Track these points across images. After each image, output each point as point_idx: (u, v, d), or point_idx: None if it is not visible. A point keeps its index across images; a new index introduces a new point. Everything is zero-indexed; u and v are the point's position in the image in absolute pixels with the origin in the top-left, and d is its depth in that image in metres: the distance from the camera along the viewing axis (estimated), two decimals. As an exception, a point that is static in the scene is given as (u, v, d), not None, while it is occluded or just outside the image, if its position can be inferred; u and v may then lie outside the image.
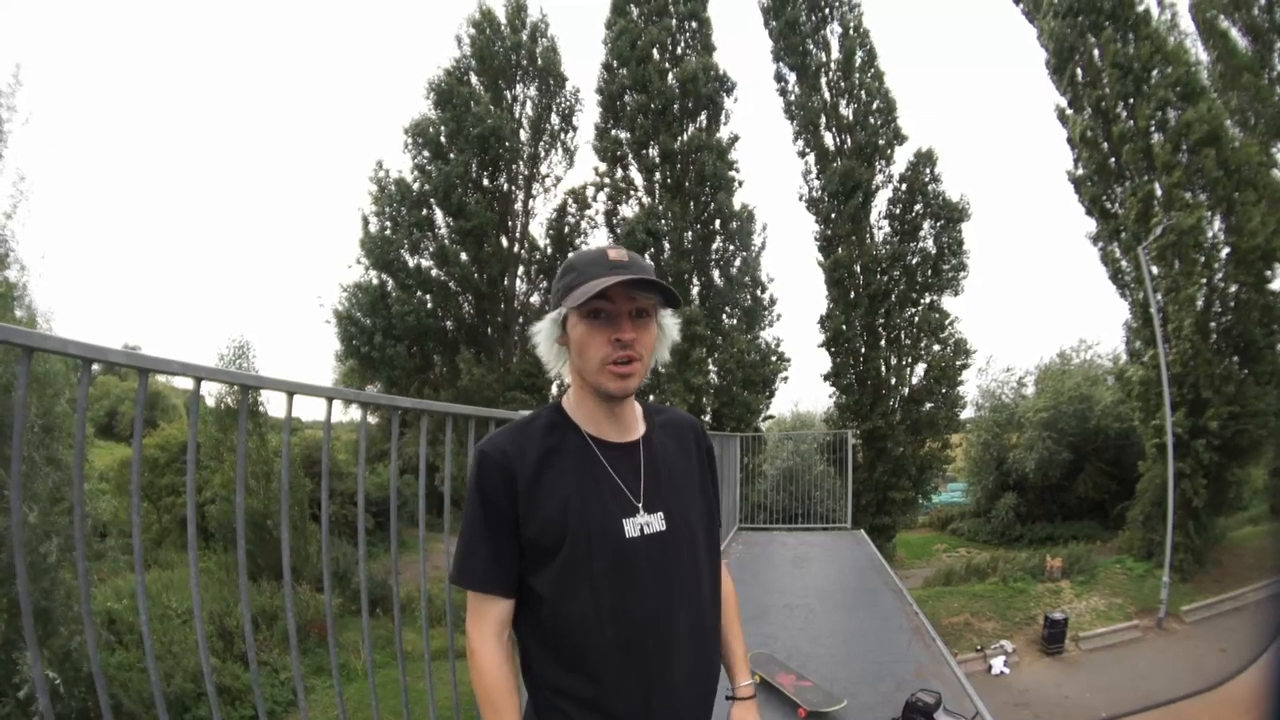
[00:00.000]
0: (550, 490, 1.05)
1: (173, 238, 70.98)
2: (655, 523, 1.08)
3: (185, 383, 1.50)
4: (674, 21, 14.92)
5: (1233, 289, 13.95)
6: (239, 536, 1.61)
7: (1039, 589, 15.30)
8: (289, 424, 1.76)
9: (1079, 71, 15.81)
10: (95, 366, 1.30)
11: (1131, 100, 14.72)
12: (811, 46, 16.33)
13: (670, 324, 1.14)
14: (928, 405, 15.33)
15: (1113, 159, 15.57)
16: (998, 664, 12.21)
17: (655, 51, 14.52)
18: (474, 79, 15.55)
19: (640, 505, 1.08)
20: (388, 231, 14.22)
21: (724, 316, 14.30)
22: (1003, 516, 21.71)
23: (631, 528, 1.06)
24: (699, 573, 1.13)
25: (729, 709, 1.28)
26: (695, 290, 14.52)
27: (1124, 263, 15.86)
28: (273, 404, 15.63)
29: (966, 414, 20.99)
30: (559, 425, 1.11)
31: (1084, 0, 15.39)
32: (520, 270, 15.71)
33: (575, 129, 16.49)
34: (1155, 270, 14.72)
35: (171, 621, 9.92)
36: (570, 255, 1.13)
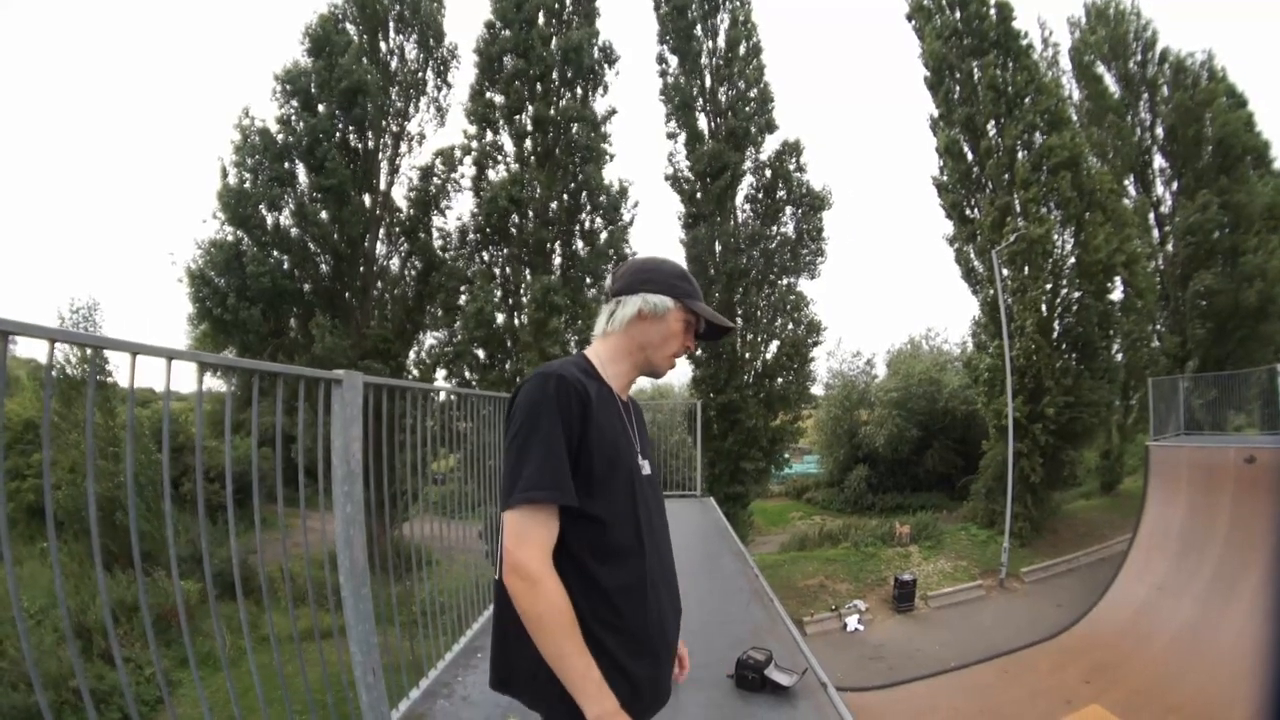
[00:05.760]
0: (602, 426, 1.17)
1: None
2: (647, 467, 1.30)
3: (25, 350, 1.33)
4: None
5: (1076, 295, 15.70)
6: (92, 522, 1.42)
7: (889, 553, 16.53)
8: (134, 394, 1.63)
9: (955, 89, 17.07)
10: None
11: (1002, 120, 16.11)
12: (699, 32, 16.47)
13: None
14: (780, 380, 15.90)
15: (976, 169, 16.99)
16: (852, 622, 13.07)
17: (541, 16, 14.06)
18: (350, 28, 14.37)
19: (639, 451, 1.28)
20: (246, 185, 12.91)
21: (585, 289, 13.93)
22: (855, 487, 23.31)
23: (646, 467, 1.29)
24: (664, 513, 1.36)
25: None
26: (557, 260, 14.13)
27: (977, 264, 17.41)
28: (120, 372, 13.95)
29: (817, 390, 22.13)
30: (594, 376, 1.25)
31: (969, 26, 16.59)
32: (381, 232, 14.77)
33: (450, 86, 15.74)
34: (1006, 272, 16.26)
35: (26, 622, 8.74)
36: (670, 261, 1.36)
